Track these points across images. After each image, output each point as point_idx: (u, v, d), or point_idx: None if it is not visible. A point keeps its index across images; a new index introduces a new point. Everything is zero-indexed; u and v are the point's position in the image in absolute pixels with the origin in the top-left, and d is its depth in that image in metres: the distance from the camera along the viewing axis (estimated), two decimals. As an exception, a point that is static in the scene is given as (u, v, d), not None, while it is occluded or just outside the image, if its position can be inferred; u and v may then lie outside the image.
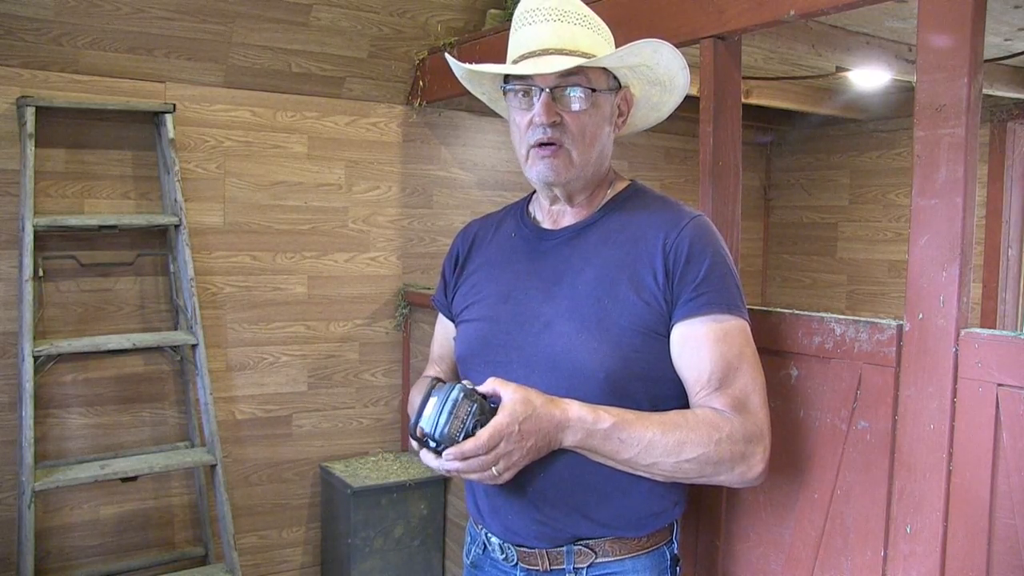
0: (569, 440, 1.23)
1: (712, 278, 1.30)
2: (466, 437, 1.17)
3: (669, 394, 1.33)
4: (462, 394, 1.16)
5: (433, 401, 1.18)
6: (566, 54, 1.30)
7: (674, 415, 1.27)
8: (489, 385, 1.23)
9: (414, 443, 1.22)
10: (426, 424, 1.18)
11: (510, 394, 1.20)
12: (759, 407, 1.29)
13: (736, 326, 1.30)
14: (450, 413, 1.16)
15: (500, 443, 1.17)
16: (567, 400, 1.24)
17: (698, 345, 1.29)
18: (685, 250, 1.30)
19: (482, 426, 1.17)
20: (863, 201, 4.18)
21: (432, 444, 1.18)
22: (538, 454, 1.23)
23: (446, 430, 1.16)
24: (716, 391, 1.28)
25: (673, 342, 1.31)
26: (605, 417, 1.23)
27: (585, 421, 1.22)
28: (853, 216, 4.23)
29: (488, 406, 1.19)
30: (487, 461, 1.18)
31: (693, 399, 1.31)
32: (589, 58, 1.31)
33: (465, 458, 1.17)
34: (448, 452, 1.17)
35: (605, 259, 1.35)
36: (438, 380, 1.23)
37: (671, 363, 1.31)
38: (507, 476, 1.21)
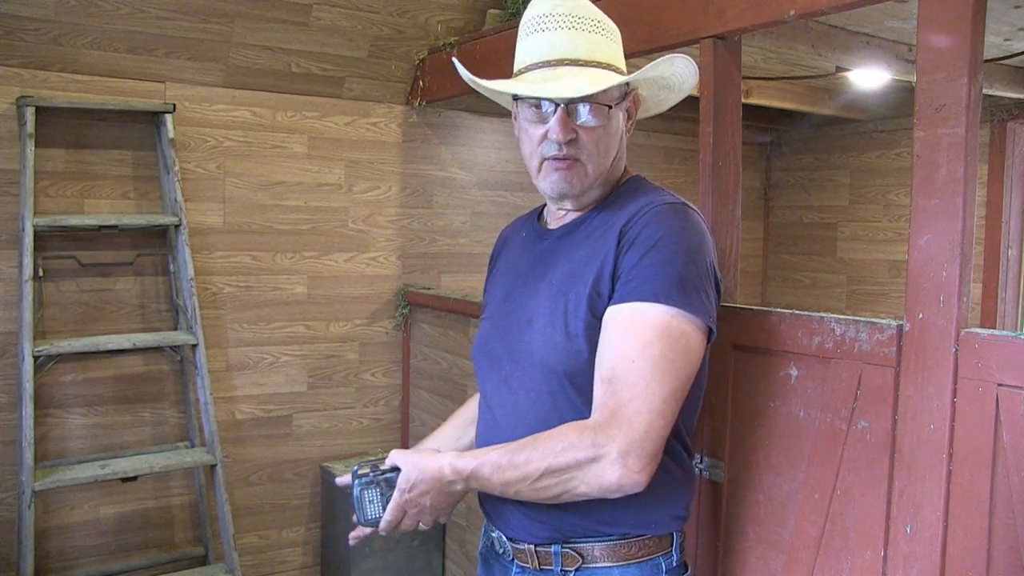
0: (460, 488, 1.28)
1: (647, 264, 1.22)
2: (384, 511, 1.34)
3: None
4: (359, 488, 1.33)
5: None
6: (582, 64, 1.29)
7: (531, 437, 1.24)
8: (390, 458, 1.32)
9: None
10: (355, 514, 1.36)
11: (401, 468, 1.29)
12: (636, 412, 1.17)
13: (655, 317, 1.20)
14: (359, 505, 1.33)
15: (406, 512, 1.29)
16: (446, 454, 1.29)
17: (606, 334, 1.23)
18: (635, 235, 1.25)
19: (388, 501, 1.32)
20: (863, 201, 4.18)
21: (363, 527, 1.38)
22: (448, 503, 1.30)
23: (364, 516, 1.33)
24: (607, 389, 1.20)
25: None
26: (469, 461, 1.26)
27: (456, 470, 1.26)
28: (853, 216, 4.22)
29: (393, 479, 1.31)
30: (408, 524, 1.31)
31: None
32: (605, 68, 1.30)
33: (391, 528, 1.31)
34: (379, 529, 1.32)
35: (579, 253, 1.34)
36: (360, 465, 1.35)
37: None
38: (442, 520, 1.33)
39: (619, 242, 1.27)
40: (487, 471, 1.24)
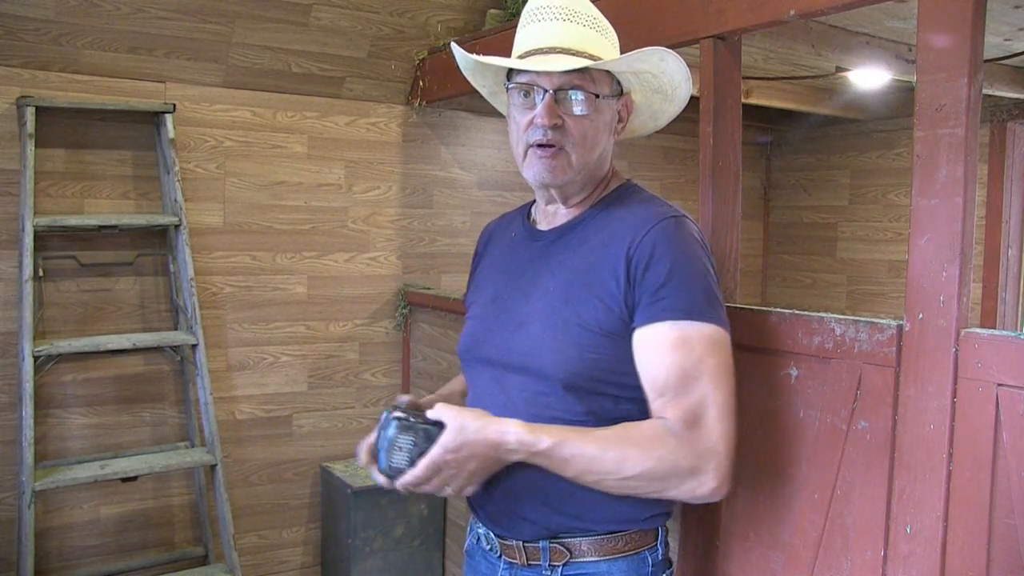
0: (515, 458, 1.24)
1: (672, 283, 1.26)
2: (412, 465, 1.21)
3: (632, 397, 1.31)
4: (396, 430, 1.20)
5: (377, 434, 1.22)
6: (574, 54, 1.30)
7: (619, 430, 1.25)
8: (435, 411, 1.24)
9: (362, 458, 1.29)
10: (375, 455, 1.24)
11: (448, 423, 1.22)
12: (716, 421, 1.24)
13: (698, 333, 1.26)
14: (388, 448, 1.21)
15: (439, 472, 1.21)
16: (509, 421, 1.24)
17: (652, 351, 1.27)
18: (647, 254, 1.28)
19: (423, 454, 1.20)
20: (863, 201, 4.18)
21: (381, 474, 1.25)
22: (487, 472, 1.25)
23: (389, 463, 1.21)
24: (671, 401, 1.25)
25: (634, 348, 1.29)
26: (544, 438, 1.22)
27: (524, 443, 1.22)
28: (853, 216, 4.22)
29: (433, 432, 1.21)
30: (435, 486, 1.23)
31: (651, 408, 1.29)
32: (596, 60, 1.31)
33: (414, 485, 1.22)
34: (398, 483, 1.23)
35: (578, 261, 1.35)
36: (394, 407, 1.25)
37: (634, 367, 1.29)
38: (468, 491, 1.26)
39: (629, 259, 1.28)
40: (567, 452, 1.21)
